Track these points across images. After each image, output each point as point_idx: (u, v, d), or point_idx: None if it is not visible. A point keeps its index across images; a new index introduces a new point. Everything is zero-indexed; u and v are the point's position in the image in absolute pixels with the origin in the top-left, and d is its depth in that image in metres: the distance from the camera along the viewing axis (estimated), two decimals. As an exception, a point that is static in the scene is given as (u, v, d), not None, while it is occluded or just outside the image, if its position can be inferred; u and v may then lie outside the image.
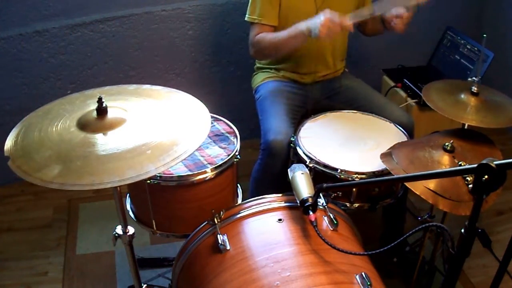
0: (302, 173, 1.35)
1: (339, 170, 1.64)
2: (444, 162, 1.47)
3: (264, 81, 2.15)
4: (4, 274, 2.11)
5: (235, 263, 1.28)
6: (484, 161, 0.93)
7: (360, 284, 1.19)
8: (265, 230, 1.38)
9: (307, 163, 1.66)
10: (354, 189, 1.64)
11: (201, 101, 1.37)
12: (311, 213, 1.25)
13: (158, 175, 1.54)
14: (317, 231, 1.23)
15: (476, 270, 2.08)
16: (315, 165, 1.67)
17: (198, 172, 1.56)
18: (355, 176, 1.63)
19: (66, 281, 2.07)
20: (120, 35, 2.43)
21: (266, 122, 1.93)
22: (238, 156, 1.66)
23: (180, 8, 2.45)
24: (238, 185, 1.80)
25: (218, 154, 1.65)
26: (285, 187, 1.51)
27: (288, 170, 1.40)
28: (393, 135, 1.83)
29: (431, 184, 1.41)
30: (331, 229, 1.37)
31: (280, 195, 1.47)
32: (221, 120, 1.83)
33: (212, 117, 1.77)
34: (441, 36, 2.65)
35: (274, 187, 1.77)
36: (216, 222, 1.40)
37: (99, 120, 1.23)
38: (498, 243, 2.08)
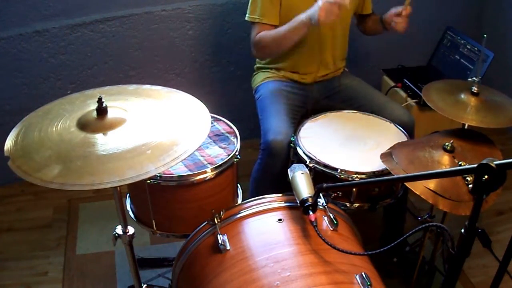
0: (302, 173, 1.35)
1: (339, 170, 1.64)
2: (444, 162, 1.47)
3: (264, 81, 2.15)
4: (4, 274, 2.11)
5: (235, 263, 1.28)
6: (484, 161, 0.93)
7: (360, 284, 1.19)
8: (265, 230, 1.38)
9: (307, 163, 1.66)
10: (354, 189, 1.64)
11: (201, 101, 1.37)
12: (311, 213, 1.25)
13: (158, 175, 1.54)
14: (317, 231, 1.23)
15: (476, 270, 2.08)
16: (315, 165, 1.67)
17: (198, 172, 1.56)
18: (355, 176, 1.63)
19: (66, 281, 2.07)
20: (120, 35, 2.43)
21: (266, 122, 1.93)
22: (238, 156, 1.66)
23: (180, 8, 2.45)
24: (238, 185, 1.80)
25: (218, 154, 1.65)
26: (285, 187, 1.51)
27: (288, 170, 1.40)
28: (393, 135, 1.83)
29: (431, 184, 1.41)
30: (331, 229, 1.37)
31: (280, 195, 1.47)
32: (221, 120, 1.83)
33: (212, 117, 1.77)
34: (441, 36, 2.65)
35: (274, 187, 1.77)
36: (216, 222, 1.40)
37: (99, 120, 1.23)
38: (498, 243, 2.08)
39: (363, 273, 1.21)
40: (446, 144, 1.50)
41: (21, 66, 2.37)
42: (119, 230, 1.38)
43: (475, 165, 0.95)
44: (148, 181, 1.55)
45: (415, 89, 2.46)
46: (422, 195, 1.41)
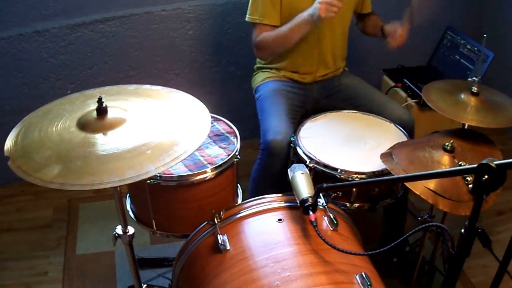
0: (302, 173, 1.35)
1: (339, 170, 1.64)
2: (444, 162, 1.47)
3: (264, 81, 2.15)
4: (4, 274, 2.11)
5: (235, 263, 1.28)
6: (484, 161, 0.93)
7: (360, 284, 1.19)
8: (265, 230, 1.38)
9: (307, 163, 1.66)
10: (354, 189, 1.64)
11: (201, 101, 1.37)
12: (311, 213, 1.25)
13: (158, 175, 1.54)
14: (317, 231, 1.23)
15: (476, 270, 2.08)
16: (315, 165, 1.67)
17: (198, 172, 1.56)
18: (355, 176, 1.63)
19: (66, 281, 2.07)
20: (120, 35, 2.43)
21: (265, 122, 1.93)
22: (238, 156, 1.66)
23: (180, 8, 2.45)
24: (238, 185, 1.80)
25: (218, 154, 1.65)
26: (285, 187, 1.51)
27: (288, 170, 1.40)
28: (393, 135, 1.83)
29: (431, 184, 1.41)
30: (331, 229, 1.37)
31: (280, 195, 1.47)
32: (221, 120, 1.83)
33: (212, 117, 1.77)
34: (441, 36, 2.65)
35: (273, 187, 1.77)
36: (216, 222, 1.39)
37: (99, 120, 1.23)
38: (498, 243, 2.08)
39: (363, 273, 1.21)
40: (446, 144, 1.50)
41: (21, 66, 2.37)
42: (119, 230, 1.38)
43: (475, 165, 0.95)
44: (148, 181, 1.55)
45: (415, 89, 2.46)
46: (422, 195, 1.41)
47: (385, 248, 1.16)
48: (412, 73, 2.62)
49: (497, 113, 1.62)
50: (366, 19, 2.21)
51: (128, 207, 1.76)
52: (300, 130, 1.84)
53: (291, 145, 1.81)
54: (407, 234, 1.16)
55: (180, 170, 1.58)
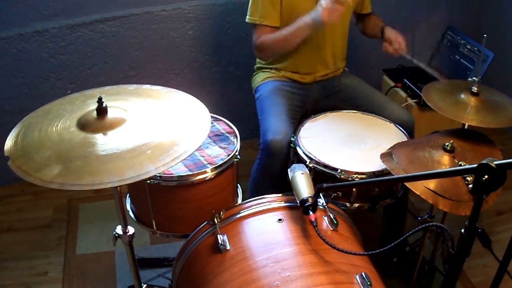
0: (302, 173, 1.35)
1: (339, 170, 1.64)
2: (444, 162, 1.47)
3: (264, 81, 2.15)
4: (4, 274, 2.11)
5: (235, 263, 1.28)
6: (484, 161, 0.93)
7: (360, 284, 1.19)
8: (265, 230, 1.38)
9: (307, 163, 1.66)
10: (354, 189, 1.64)
11: (201, 101, 1.37)
12: (311, 213, 1.25)
13: (158, 175, 1.54)
14: (317, 231, 1.23)
15: (476, 270, 2.08)
16: (315, 165, 1.67)
17: (198, 172, 1.56)
18: (355, 176, 1.63)
19: (66, 281, 2.07)
20: (120, 35, 2.43)
21: (265, 122, 1.93)
22: (238, 156, 1.66)
23: (180, 8, 2.45)
24: (238, 185, 1.80)
25: (218, 154, 1.65)
26: (285, 187, 1.51)
27: (288, 170, 1.40)
28: (393, 135, 1.83)
29: (431, 184, 1.41)
30: (331, 229, 1.37)
31: (280, 195, 1.47)
32: (221, 120, 1.83)
33: (212, 117, 1.77)
34: (441, 36, 2.65)
35: (273, 187, 1.77)
36: (216, 222, 1.39)
37: (99, 120, 1.23)
38: (498, 243, 2.08)
39: (363, 273, 1.21)
40: (446, 144, 1.50)
41: (21, 66, 2.37)
42: (119, 230, 1.38)
43: (475, 165, 0.95)
44: (148, 181, 1.55)
45: (415, 89, 2.46)
46: (422, 195, 1.41)
47: (385, 248, 1.16)
48: (412, 73, 2.62)
49: (497, 113, 1.62)
50: (366, 20, 2.21)
51: (128, 207, 1.76)
52: (300, 130, 1.84)
53: (291, 145, 1.81)
54: (407, 234, 1.16)
55: (180, 170, 1.58)
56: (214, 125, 1.80)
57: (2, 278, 2.09)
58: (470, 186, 1.38)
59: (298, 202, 1.29)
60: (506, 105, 1.67)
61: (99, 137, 1.19)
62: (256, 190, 1.94)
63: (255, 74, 2.24)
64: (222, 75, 2.69)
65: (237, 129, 1.77)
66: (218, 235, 1.35)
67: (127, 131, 1.21)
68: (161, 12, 2.43)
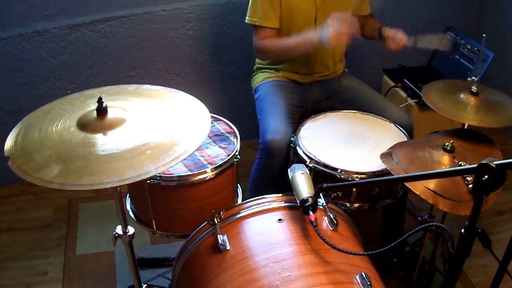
0: (302, 173, 1.35)
1: (339, 170, 1.64)
2: (444, 162, 1.47)
3: (263, 81, 2.16)
4: (4, 274, 2.11)
5: (235, 263, 1.28)
6: (484, 161, 0.93)
7: (360, 284, 1.19)
8: (265, 230, 1.38)
9: (307, 163, 1.66)
10: (354, 189, 1.64)
11: (201, 101, 1.37)
12: (311, 213, 1.25)
13: (158, 175, 1.54)
14: (317, 231, 1.23)
15: (476, 270, 2.08)
16: (315, 165, 1.67)
17: (198, 172, 1.56)
18: (355, 176, 1.63)
19: (66, 281, 2.07)
20: (120, 35, 2.43)
21: (264, 122, 1.93)
22: (238, 156, 1.66)
23: (180, 8, 2.45)
24: (238, 185, 1.80)
25: (218, 154, 1.65)
26: (284, 186, 1.51)
27: (288, 170, 1.40)
28: (393, 135, 1.83)
29: (431, 184, 1.41)
30: (331, 229, 1.37)
31: (280, 195, 1.47)
32: (221, 120, 1.83)
33: (212, 117, 1.77)
34: (441, 36, 2.65)
35: (273, 187, 1.77)
36: (216, 222, 1.39)
37: (99, 120, 1.23)
38: (498, 243, 2.08)
39: (363, 273, 1.21)
40: (446, 144, 1.50)
41: (21, 66, 2.37)
42: (119, 230, 1.38)
43: (475, 165, 0.95)
44: (148, 181, 1.55)
45: (415, 89, 2.46)
46: (422, 195, 1.41)
47: (385, 248, 1.16)
48: (412, 73, 2.62)
49: (497, 113, 1.62)
50: (365, 22, 2.21)
51: (128, 207, 1.76)
52: (300, 130, 1.84)
53: (291, 145, 1.81)
54: (407, 234, 1.16)
55: (180, 170, 1.58)
56: (214, 125, 1.80)
57: (2, 278, 2.09)
58: (470, 186, 1.38)
59: (298, 202, 1.29)
60: (506, 104, 1.67)
61: (99, 137, 1.19)
62: (255, 190, 1.94)
63: (255, 75, 2.24)
64: (222, 75, 2.69)
65: (237, 129, 1.77)
66: (218, 235, 1.35)
67: (127, 131, 1.21)
68: (161, 12, 2.43)
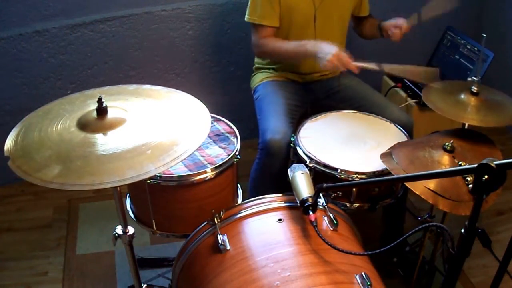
0: (302, 173, 1.35)
1: (339, 170, 1.64)
2: (444, 162, 1.47)
3: (262, 81, 2.16)
4: (4, 274, 2.11)
5: (235, 263, 1.28)
6: (484, 161, 0.93)
7: (360, 284, 1.19)
8: (265, 230, 1.38)
9: (307, 163, 1.66)
10: (354, 189, 1.64)
11: (201, 101, 1.37)
12: (311, 213, 1.25)
13: (158, 175, 1.54)
14: (317, 231, 1.23)
15: (476, 270, 2.08)
16: (315, 165, 1.67)
17: (198, 172, 1.56)
18: (355, 176, 1.63)
19: (66, 281, 2.07)
20: (120, 35, 2.43)
21: (264, 121, 1.93)
22: (238, 156, 1.66)
23: (180, 8, 2.45)
24: (238, 185, 1.80)
25: (218, 154, 1.65)
26: (284, 186, 1.51)
27: (288, 170, 1.40)
28: (393, 135, 1.83)
29: (431, 184, 1.41)
30: (331, 229, 1.37)
31: (280, 195, 1.47)
32: (221, 120, 1.83)
33: (212, 117, 1.77)
34: (441, 36, 2.65)
35: (273, 187, 1.77)
36: (216, 222, 1.39)
37: (99, 120, 1.23)
38: (498, 243, 2.08)
39: (363, 273, 1.21)
40: (446, 144, 1.50)
41: (21, 66, 2.37)
42: (119, 230, 1.38)
43: (475, 165, 0.95)
44: (148, 181, 1.55)
45: (415, 89, 2.46)
46: (422, 195, 1.41)
47: (385, 248, 1.16)
48: (412, 73, 2.61)
49: (497, 112, 1.62)
50: (364, 22, 2.21)
51: (128, 207, 1.76)
52: (300, 130, 1.84)
53: (291, 145, 1.81)
54: (407, 234, 1.16)
55: (180, 170, 1.58)
56: (214, 125, 1.80)
57: (2, 278, 2.09)
58: (470, 186, 1.38)
59: (298, 202, 1.29)
60: (506, 104, 1.67)
61: (99, 137, 1.19)
62: (255, 190, 1.94)
63: (254, 75, 2.24)
64: (222, 75, 2.69)
65: (237, 129, 1.77)
66: (218, 235, 1.35)
67: (127, 131, 1.21)
68: (161, 12, 2.43)
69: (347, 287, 1.19)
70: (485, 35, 1.68)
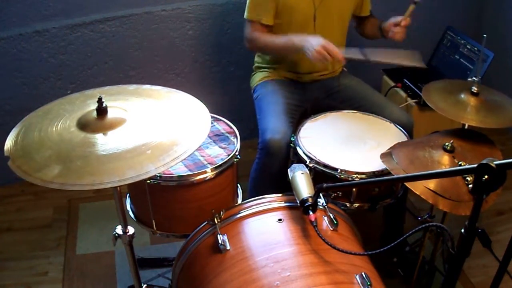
0: (302, 173, 1.35)
1: (339, 170, 1.64)
2: (444, 162, 1.47)
3: (262, 80, 2.16)
4: (4, 274, 2.11)
5: (235, 263, 1.28)
6: (484, 161, 0.93)
7: (360, 284, 1.19)
8: (265, 230, 1.38)
9: (307, 163, 1.66)
10: (354, 189, 1.64)
11: (201, 101, 1.37)
12: (311, 213, 1.25)
13: (158, 175, 1.54)
14: (317, 231, 1.23)
15: (476, 270, 2.08)
16: (315, 165, 1.67)
17: (198, 172, 1.56)
18: (355, 176, 1.63)
19: (66, 281, 2.07)
20: (120, 35, 2.43)
21: (263, 121, 1.93)
22: (238, 156, 1.66)
23: (180, 8, 2.45)
24: (238, 185, 1.80)
25: (218, 154, 1.65)
26: (284, 186, 1.51)
27: (288, 170, 1.40)
28: (393, 135, 1.83)
29: (431, 184, 1.41)
30: (331, 229, 1.37)
31: (280, 195, 1.47)
32: (221, 120, 1.83)
33: (212, 117, 1.77)
34: (441, 36, 2.65)
35: (272, 187, 1.77)
36: (216, 222, 1.39)
37: (99, 120, 1.23)
38: (498, 243, 2.08)
39: (363, 273, 1.21)
40: (446, 144, 1.50)
41: (21, 66, 2.37)
42: (119, 230, 1.38)
43: (475, 165, 0.95)
44: (148, 181, 1.55)
45: (415, 89, 2.46)
46: (422, 195, 1.41)
47: (385, 248, 1.16)
48: (412, 73, 2.61)
49: (497, 113, 1.62)
50: (365, 22, 2.21)
51: (128, 207, 1.76)
52: (300, 130, 1.83)
53: (291, 145, 1.81)
54: (407, 234, 1.16)
55: (180, 170, 1.58)
56: (214, 125, 1.80)
57: (2, 278, 2.09)
58: (470, 186, 1.38)
59: (298, 202, 1.29)
60: (506, 105, 1.67)
61: (99, 137, 1.19)
62: (255, 190, 1.94)
63: (254, 74, 2.24)
64: (222, 75, 2.69)
65: (237, 129, 1.77)
66: (218, 235, 1.35)
67: (127, 131, 1.21)
68: (161, 12, 2.43)
69: (347, 287, 1.19)
70: (485, 35, 1.68)
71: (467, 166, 1.05)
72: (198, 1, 2.47)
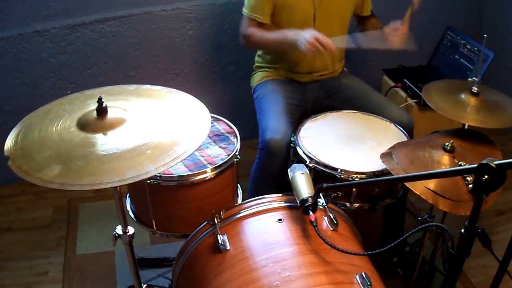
0: (302, 173, 1.35)
1: (339, 170, 1.64)
2: (444, 162, 1.47)
3: (262, 80, 2.16)
4: (4, 274, 2.11)
5: (235, 263, 1.28)
6: (484, 161, 0.93)
7: (360, 284, 1.19)
8: (265, 230, 1.38)
9: (307, 163, 1.66)
10: (354, 189, 1.64)
11: (201, 101, 1.37)
12: (311, 213, 1.25)
13: (158, 175, 1.54)
14: (317, 231, 1.23)
15: (476, 270, 2.08)
16: (315, 165, 1.67)
17: (198, 172, 1.56)
18: (355, 176, 1.63)
19: (66, 281, 2.07)
20: (120, 35, 2.43)
21: (263, 121, 1.94)
22: (238, 156, 1.66)
23: (180, 8, 2.45)
24: (238, 185, 1.80)
25: (218, 154, 1.65)
26: (284, 186, 1.51)
27: (288, 170, 1.40)
28: (393, 135, 1.83)
29: (431, 184, 1.41)
30: (331, 229, 1.37)
31: (280, 195, 1.47)
32: (221, 120, 1.83)
33: (212, 117, 1.77)
34: (441, 36, 2.65)
35: (273, 187, 1.77)
36: (216, 222, 1.39)
37: (99, 120, 1.23)
38: (498, 243, 2.08)
39: (363, 273, 1.21)
40: (446, 144, 1.50)
41: (21, 66, 2.37)
42: (119, 230, 1.38)
43: (475, 165, 0.95)
44: (148, 181, 1.55)
45: (415, 89, 2.46)
46: (422, 195, 1.41)
47: (385, 248, 1.16)
48: (412, 73, 2.62)
49: (497, 113, 1.62)
50: (366, 22, 2.21)
51: (128, 207, 1.76)
52: (300, 130, 1.84)
53: (291, 145, 1.81)
54: (407, 234, 1.16)
55: (180, 170, 1.58)
56: (214, 125, 1.80)
57: (2, 278, 2.09)
58: (470, 186, 1.38)
59: (298, 202, 1.29)
60: (506, 105, 1.67)
61: (99, 137, 1.19)
62: (255, 189, 1.94)
63: (254, 74, 2.24)
64: (222, 75, 2.69)
65: (237, 129, 1.77)
66: (218, 235, 1.35)
67: (127, 131, 1.21)
68: (161, 12, 2.43)
69: (347, 287, 1.19)
70: (485, 35, 1.68)
71: (467, 166, 1.05)
72: (198, 1, 2.47)
